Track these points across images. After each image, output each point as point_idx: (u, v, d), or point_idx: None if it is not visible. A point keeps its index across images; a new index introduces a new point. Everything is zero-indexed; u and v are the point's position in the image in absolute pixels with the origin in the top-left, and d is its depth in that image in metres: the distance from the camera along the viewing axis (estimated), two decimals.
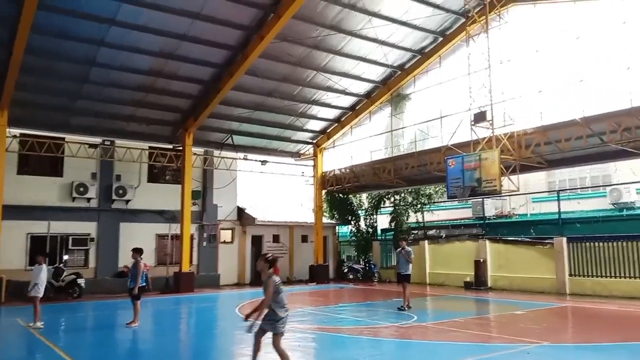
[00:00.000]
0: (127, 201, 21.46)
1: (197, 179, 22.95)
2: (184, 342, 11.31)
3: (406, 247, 14.96)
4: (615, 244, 17.03)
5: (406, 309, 13.96)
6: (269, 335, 6.87)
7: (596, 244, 17.49)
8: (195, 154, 22.23)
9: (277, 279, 6.85)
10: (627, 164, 20.59)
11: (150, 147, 21.82)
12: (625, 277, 16.69)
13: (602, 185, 22.69)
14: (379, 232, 27.40)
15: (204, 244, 23.23)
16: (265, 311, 6.81)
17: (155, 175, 22.79)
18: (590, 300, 16.13)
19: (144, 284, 12.18)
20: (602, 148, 16.10)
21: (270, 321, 6.81)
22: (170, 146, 21.92)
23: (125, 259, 20.80)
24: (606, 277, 17.11)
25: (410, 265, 14.64)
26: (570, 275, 17.97)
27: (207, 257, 23.25)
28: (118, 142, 21.12)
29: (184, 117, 20.96)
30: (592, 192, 23.42)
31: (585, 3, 16.35)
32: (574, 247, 18.05)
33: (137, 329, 11.68)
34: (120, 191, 21.18)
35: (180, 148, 21.44)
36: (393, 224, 26.15)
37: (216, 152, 23.65)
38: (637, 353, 8.84)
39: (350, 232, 28.44)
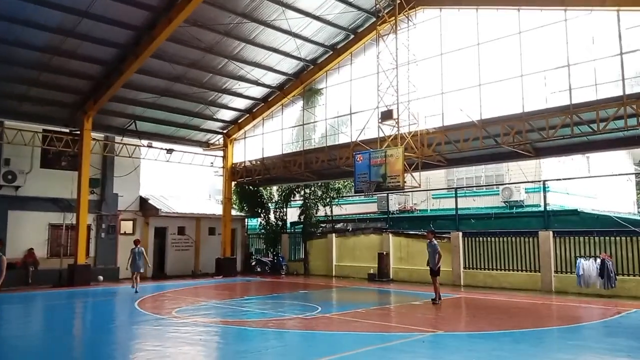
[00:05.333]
0: (17, 187, 19.84)
1: (96, 166, 21.67)
2: (72, 339, 10.59)
3: (433, 240, 14.50)
4: (505, 239, 18.36)
5: (438, 301, 13.91)
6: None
7: (489, 238, 18.77)
8: (94, 139, 20.97)
9: None
10: (517, 165, 22.23)
11: (44, 130, 20.28)
12: (513, 270, 18.05)
13: (495, 184, 24.30)
14: (288, 225, 27.48)
15: (102, 235, 22.01)
16: None
17: (49, 161, 21.17)
18: (482, 291, 17.26)
19: None
20: (496, 149, 17.25)
21: None
22: (67, 130, 20.57)
23: (13, 250, 19.28)
24: (497, 270, 18.40)
25: (434, 259, 14.11)
26: (465, 267, 19.14)
27: (105, 249, 22.03)
28: (8, 123, 19.47)
29: (83, 99, 19.69)
30: (486, 190, 25.00)
31: (486, 12, 17.34)
32: (468, 242, 19.24)
33: (22, 325, 10.80)
34: (9, 176, 19.49)
35: (78, 132, 20.15)
36: (302, 217, 26.34)
37: (118, 138, 22.44)
38: (520, 339, 9.56)
39: (260, 225, 28.26)
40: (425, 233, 16.29)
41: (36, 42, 16.45)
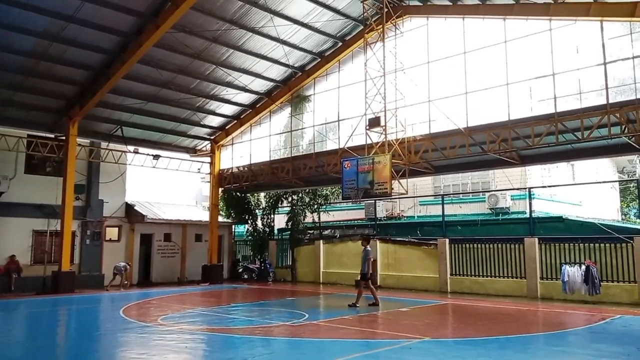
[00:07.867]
0: (1, 193, 19.51)
1: (81, 171, 21.40)
2: (56, 347, 10.44)
3: (367, 247, 15.31)
4: (491, 245, 18.47)
5: (356, 306, 14.48)
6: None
7: (475, 245, 18.86)
8: (80, 144, 20.79)
9: None
10: (503, 172, 22.44)
11: (29, 136, 20.08)
12: (499, 277, 18.15)
13: (482, 191, 24.49)
14: (275, 231, 27.39)
15: (87, 241, 21.75)
16: None
17: (34, 166, 20.96)
18: (469, 298, 17.32)
19: None
20: (482, 157, 17.40)
21: None
22: (52, 135, 20.33)
23: None
24: (483, 276, 18.49)
25: (365, 265, 14.97)
26: (452, 274, 19.20)
27: (90, 256, 21.77)
28: None
29: (69, 104, 19.51)
30: (472, 197, 25.19)
31: (472, 21, 17.53)
32: (455, 248, 19.32)
33: (3, 333, 10.61)
34: None
35: (63, 138, 19.93)
36: (290, 224, 26.27)
37: (104, 144, 22.27)
38: (506, 345, 9.60)
39: (247, 232, 28.15)
40: (361, 240, 16.93)
41: (21, 46, 16.28)
